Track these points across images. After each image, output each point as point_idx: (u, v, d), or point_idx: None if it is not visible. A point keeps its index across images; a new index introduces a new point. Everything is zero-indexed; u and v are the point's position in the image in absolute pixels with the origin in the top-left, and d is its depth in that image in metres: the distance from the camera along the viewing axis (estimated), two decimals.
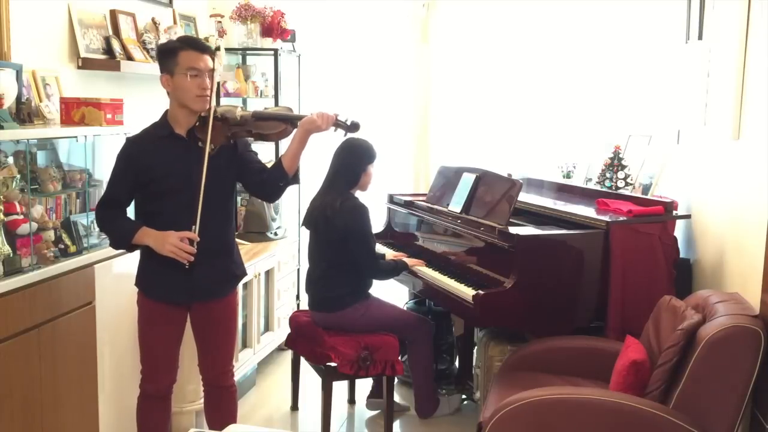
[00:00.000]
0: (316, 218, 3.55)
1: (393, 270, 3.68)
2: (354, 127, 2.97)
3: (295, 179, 2.89)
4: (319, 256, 3.61)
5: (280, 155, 2.92)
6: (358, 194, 3.60)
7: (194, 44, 2.76)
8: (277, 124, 2.87)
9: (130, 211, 3.19)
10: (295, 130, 2.87)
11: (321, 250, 3.59)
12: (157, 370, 2.90)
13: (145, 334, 2.89)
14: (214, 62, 2.77)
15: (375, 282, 3.69)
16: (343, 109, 2.94)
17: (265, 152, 4.59)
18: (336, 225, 3.44)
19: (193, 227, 2.70)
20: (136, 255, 3.19)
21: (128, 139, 2.82)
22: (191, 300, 2.86)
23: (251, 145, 2.97)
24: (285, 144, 3.01)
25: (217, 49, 4.16)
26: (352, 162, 3.53)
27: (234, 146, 2.84)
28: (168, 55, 2.72)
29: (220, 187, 2.80)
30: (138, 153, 2.74)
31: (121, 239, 2.78)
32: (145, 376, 2.92)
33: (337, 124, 2.91)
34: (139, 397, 2.95)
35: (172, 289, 2.81)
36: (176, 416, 3.30)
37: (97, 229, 3.02)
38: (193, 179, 2.69)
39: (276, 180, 2.87)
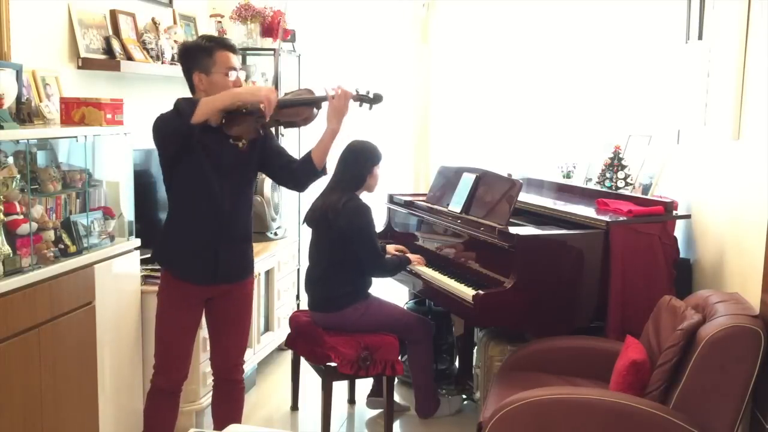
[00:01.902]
0: (318, 217, 3.55)
1: (398, 266, 3.69)
2: (377, 98, 2.95)
3: (324, 171, 2.97)
4: (319, 255, 3.61)
5: (310, 150, 2.95)
6: (363, 195, 3.60)
7: (228, 44, 2.84)
8: (303, 109, 2.89)
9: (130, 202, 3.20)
10: (322, 114, 2.88)
11: (322, 249, 3.59)
12: (172, 362, 2.90)
13: (165, 323, 2.90)
14: None
15: (375, 281, 3.70)
16: (359, 84, 2.93)
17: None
18: (339, 225, 3.45)
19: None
20: (137, 256, 3.19)
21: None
22: (214, 281, 2.87)
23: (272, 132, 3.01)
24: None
25: None
26: (358, 163, 3.55)
27: (262, 137, 2.87)
28: (203, 54, 2.78)
29: (247, 177, 2.86)
30: None
31: (189, 102, 2.69)
32: (158, 369, 2.93)
33: (360, 98, 2.92)
34: (150, 392, 2.96)
35: (198, 267, 2.84)
36: None
37: (97, 228, 3.02)
38: (223, 170, 2.76)
39: (306, 174, 2.95)
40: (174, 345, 2.90)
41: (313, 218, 3.61)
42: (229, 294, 2.93)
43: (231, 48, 2.83)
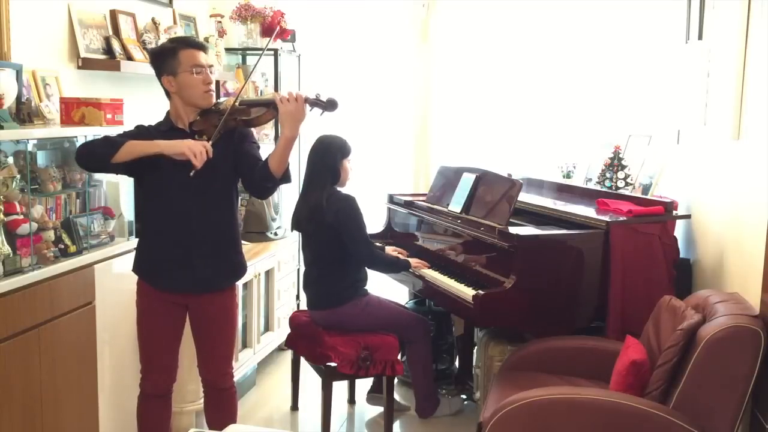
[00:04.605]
0: (305, 221, 3.55)
1: (394, 264, 3.67)
2: (330, 104, 2.79)
3: (284, 179, 2.80)
4: (313, 255, 3.61)
5: (267, 156, 2.82)
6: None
7: (191, 42, 2.80)
8: (258, 108, 2.84)
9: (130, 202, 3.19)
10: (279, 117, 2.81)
11: (315, 249, 3.59)
12: (156, 368, 2.90)
13: (144, 330, 2.90)
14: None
15: (373, 280, 3.69)
16: (322, 90, 2.83)
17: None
18: (327, 223, 3.44)
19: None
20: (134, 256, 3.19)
21: (138, 125, 2.86)
22: (191, 290, 2.84)
23: (253, 137, 2.95)
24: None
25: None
26: (329, 157, 3.52)
27: (229, 136, 2.79)
28: (167, 56, 2.75)
29: (218, 178, 2.78)
30: (147, 136, 2.75)
31: (113, 143, 2.65)
32: (144, 375, 2.93)
33: (313, 103, 2.78)
34: (139, 397, 2.96)
35: (173, 277, 2.81)
36: (176, 416, 3.30)
37: (97, 228, 3.02)
38: (186, 173, 2.67)
39: (262, 180, 2.78)
40: (155, 350, 2.89)
41: (300, 223, 3.60)
42: (209, 304, 2.88)
43: (196, 45, 2.78)
